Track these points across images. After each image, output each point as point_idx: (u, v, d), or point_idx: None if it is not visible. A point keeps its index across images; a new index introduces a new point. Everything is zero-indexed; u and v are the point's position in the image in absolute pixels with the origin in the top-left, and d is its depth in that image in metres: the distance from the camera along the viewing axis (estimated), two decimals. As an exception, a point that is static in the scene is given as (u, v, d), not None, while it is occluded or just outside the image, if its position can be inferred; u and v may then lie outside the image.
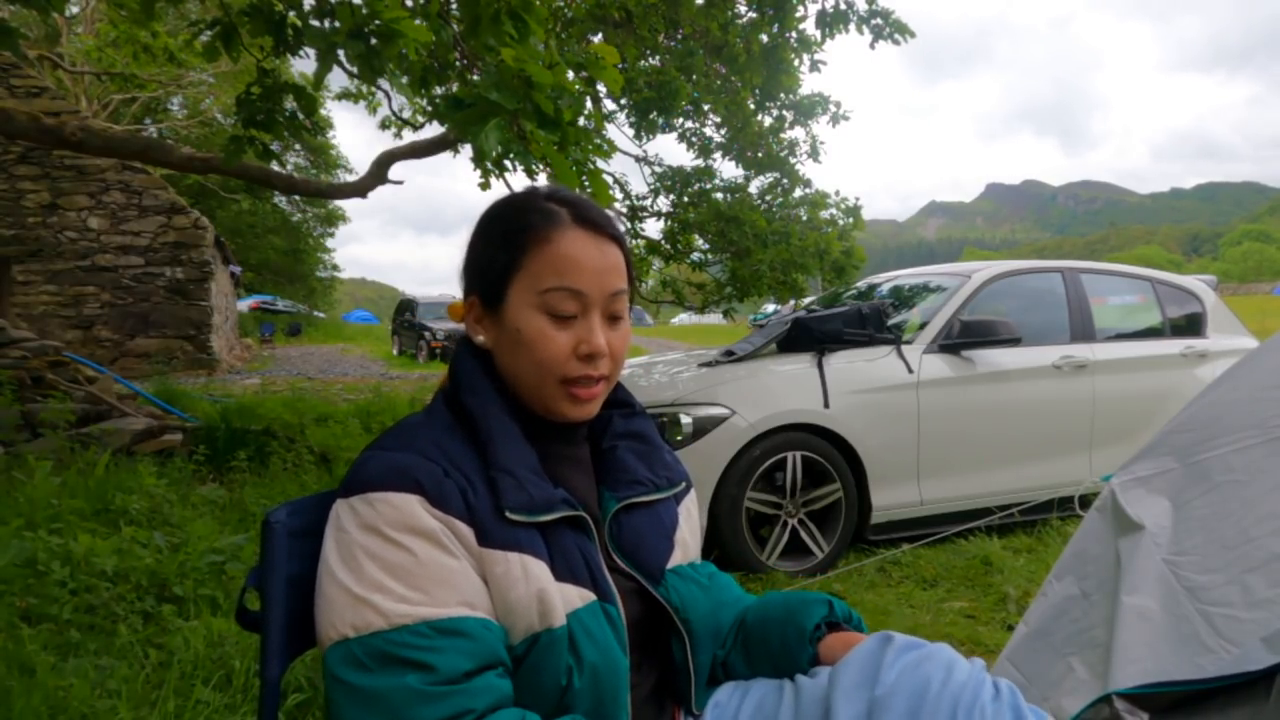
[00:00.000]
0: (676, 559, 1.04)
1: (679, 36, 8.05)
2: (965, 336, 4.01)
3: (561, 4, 7.51)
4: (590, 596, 0.91)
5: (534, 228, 0.94)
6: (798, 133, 9.02)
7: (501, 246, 0.96)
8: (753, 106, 8.56)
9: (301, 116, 4.26)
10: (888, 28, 7.06)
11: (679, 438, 3.46)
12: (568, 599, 0.89)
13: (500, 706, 0.82)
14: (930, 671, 0.84)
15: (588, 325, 0.94)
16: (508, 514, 0.88)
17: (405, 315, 20.29)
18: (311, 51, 3.15)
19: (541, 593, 0.86)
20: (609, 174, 8.93)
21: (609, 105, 8.21)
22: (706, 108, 8.62)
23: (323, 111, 23.01)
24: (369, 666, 0.79)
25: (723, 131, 9.03)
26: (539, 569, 0.88)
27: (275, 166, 5.77)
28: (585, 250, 0.94)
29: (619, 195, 9.41)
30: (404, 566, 0.82)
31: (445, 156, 7.30)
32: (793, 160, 9.10)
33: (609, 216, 0.99)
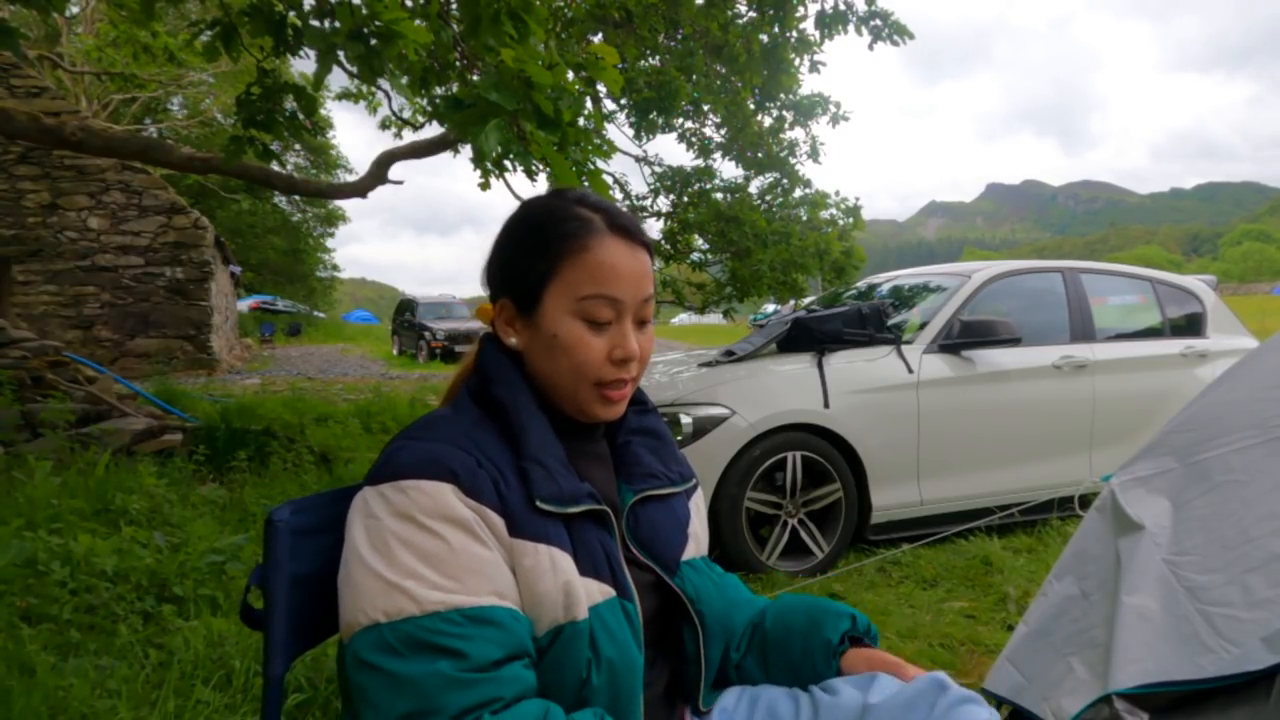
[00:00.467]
0: (690, 552, 1.06)
1: (679, 36, 8.05)
2: (965, 336, 4.01)
3: (561, 4, 7.50)
4: (610, 592, 0.92)
5: (572, 235, 0.95)
6: (797, 133, 9.04)
7: (538, 253, 0.97)
8: (752, 107, 8.56)
9: (301, 116, 4.26)
10: (887, 29, 7.06)
11: (679, 438, 3.46)
12: (590, 593, 0.90)
13: (526, 697, 0.83)
14: None
15: (621, 331, 0.96)
16: (538, 504, 0.89)
17: (405, 315, 20.31)
18: (311, 51, 3.15)
19: (568, 585, 0.88)
20: (609, 174, 8.93)
21: (609, 105, 8.22)
22: (706, 108, 8.62)
23: (323, 111, 23.01)
24: (401, 652, 0.80)
25: (723, 132, 9.04)
26: (566, 562, 0.89)
27: (275, 166, 5.77)
28: (621, 258, 0.95)
29: (619, 195, 9.41)
30: (438, 554, 0.83)
31: (445, 156, 7.32)
32: (793, 160, 9.10)
33: (639, 223, 1.01)
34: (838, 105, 8.62)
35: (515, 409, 0.95)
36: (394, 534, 0.84)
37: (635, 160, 9.45)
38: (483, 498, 0.87)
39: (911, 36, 7.10)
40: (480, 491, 0.87)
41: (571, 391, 0.97)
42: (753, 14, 7.62)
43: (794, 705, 0.99)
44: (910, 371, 3.86)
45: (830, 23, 7.07)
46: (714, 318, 11.69)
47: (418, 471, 0.86)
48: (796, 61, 7.88)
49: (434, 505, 0.84)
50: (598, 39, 7.51)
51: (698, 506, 1.13)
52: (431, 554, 0.83)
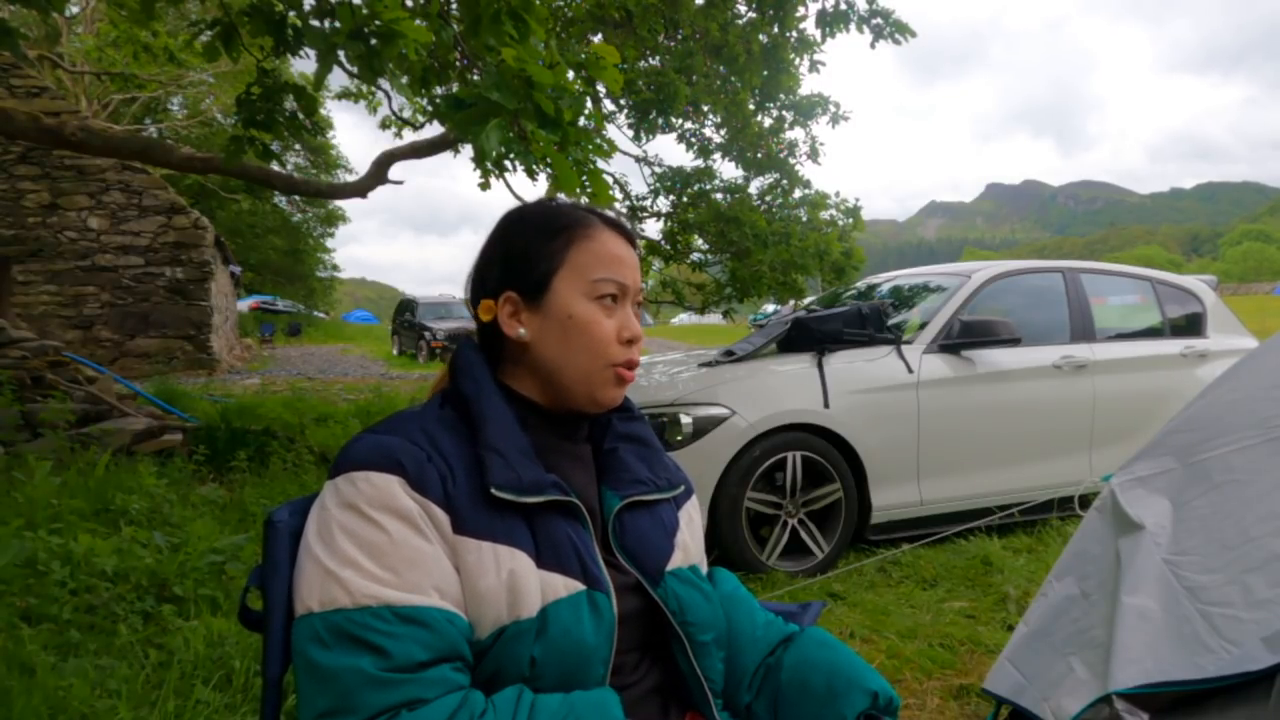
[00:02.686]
0: (677, 561, 1.04)
1: (679, 37, 8.04)
2: (965, 336, 4.01)
3: (561, 4, 7.50)
4: (577, 586, 0.91)
5: (578, 224, 1.01)
6: (797, 133, 9.03)
7: (545, 242, 1.01)
8: (752, 107, 8.56)
9: (301, 116, 4.27)
10: (888, 27, 7.07)
11: (679, 438, 3.46)
12: (550, 588, 0.89)
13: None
14: None
15: (626, 314, 1.01)
16: (494, 491, 0.89)
17: (405, 315, 20.30)
18: (311, 51, 3.15)
19: (513, 583, 0.87)
20: (609, 174, 8.92)
21: (609, 105, 8.21)
22: (706, 108, 8.61)
23: (323, 111, 23.01)
24: (328, 643, 0.80)
25: (722, 132, 9.03)
26: (514, 558, 0.88)
27: (275, 166, 5.77)
28: (621, 248, 1.02)
29: (619, 195, 9.40)
30: (378, 545, 0.84)
31: (445, 157, 7.32)
32: (792, 161, 9.10)
33: (628, 225, 1.08)
34: (837, 105, 8.63)
35: (477, 400, 0.96)
36: (338, 523, 0.85)
37: (635, 160, 9.44)
38: (428, 492, 0.87)
39: (913, 34, 7.10)
40: (426, 486, 0.87)
41: (585, 375, 0.99)
42: (752, 14, 7.62)
43: None
44: (910, 371, 3.86)
45: (831, 21, 7.07)
46: (714, 318, 11.68)
47: (367, 463, 0.88)
48: (796, 61, 7.88)
49: (378, 496, 0.85)
50: (598, 39, 7.51)
51: (689, 516, 1.11)
52: (371, 544, 0.84)
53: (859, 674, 1.02)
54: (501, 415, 0.96)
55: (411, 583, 0.83)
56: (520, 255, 1.01)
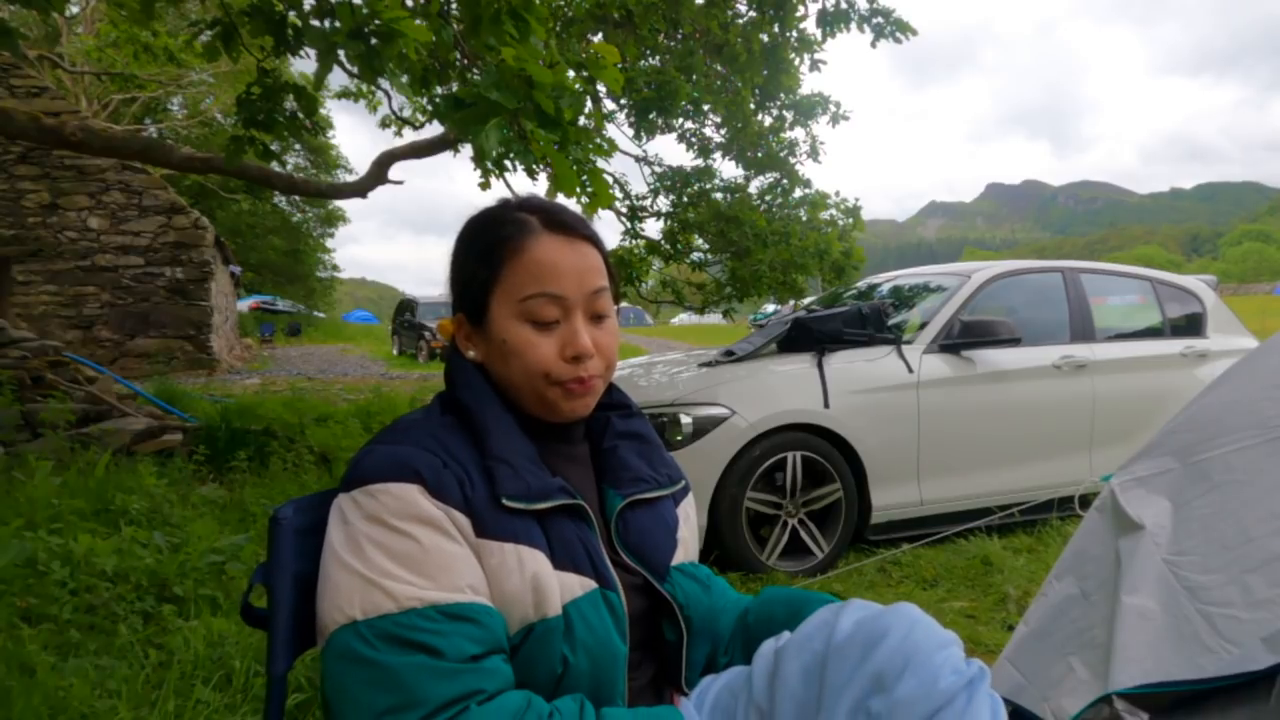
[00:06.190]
0: (679, 556, 1.06)
1: (679, 36, 8.04)
2: (965, 336, 4.01)
3: (561, 3, 7.50)
4: (591, 585, 0.92)
5: (508, 239, 0.97)
6: (797, 133, 9.03)
7: (479, 262, 0.98)
8: (753, 107, 8.56)
9: (301, 116, 4.26)
10: (889, 26, 7.06)
11: (679, 438, 3.46)
12: (567, 588, 0.90)
13: (507, 689, 0.83)
14: (890, 623, 0.84)
15: (571, 328, 0.96)
16: (505, 501, 0.89)
17: (405, 315, 20.30)
18: (311, 51, 3.15)
19: (537, 583, 0.88)
20: (609, 174, 8.92)
21: (609, 105, 8.21)
22: (706, 108, 8.61)
23: (323, 111, 22.97)
24: (377, 648, 0.80)
25: (723, 131, 9.02)
26: (535, 559, 0.89)
27: (275, 166, 5.77)
28: (559, 254, 0.96)
29: (619, 195, 9.40)
30: (410, 554, 0.84)
31: (445, 157, 7.32)
32: (792, 160, 9.10)
33: (581, 218, 1.01)
34: (837, 105, 8.62)
35: (478, 411, 0.95)
36: (367, 537, 0.85)
37: (635, 160, 9.44)
38: (448, 499, 0.87)
39: (914, 32, 7.09)
40: (446, 492, 0.87)
41: (533, 395, 0.97)
42: (753, 13, 7.61)
43: (745, 671, 0.96)
44: (910, 371, 3.86)
45: (832, 21, 7.07)
46: (714, 318, 11.67)
47: (384, 475, 0.87)
48: (797, 61, 7.88)
49: (402, 506, 0.85)
50: (598, 39, 7.50)
51: (687, 513, 1.12)
52: (404, 554, 0.84)
53: (818, 595, 1.06)
54: (504, 425, 0.96)
55: (449, 584, 0.84)
56: (465, 276, 1.00)
